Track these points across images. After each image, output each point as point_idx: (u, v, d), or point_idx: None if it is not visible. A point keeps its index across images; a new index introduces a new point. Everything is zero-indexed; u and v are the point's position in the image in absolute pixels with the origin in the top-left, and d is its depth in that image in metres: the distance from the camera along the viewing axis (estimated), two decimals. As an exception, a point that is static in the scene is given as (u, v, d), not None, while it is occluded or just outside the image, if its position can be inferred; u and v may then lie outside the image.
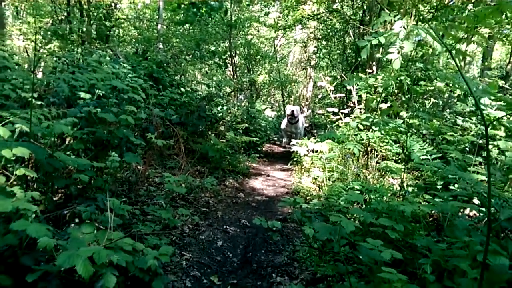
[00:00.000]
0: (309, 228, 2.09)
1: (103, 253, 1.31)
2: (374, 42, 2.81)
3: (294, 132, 7.91)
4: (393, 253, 1.72)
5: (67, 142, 3.34)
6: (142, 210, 3.06)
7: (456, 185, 3.21)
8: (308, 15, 10.92)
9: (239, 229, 3.45)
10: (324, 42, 13.86)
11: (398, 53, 3.26)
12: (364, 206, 2.99)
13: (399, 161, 4.57)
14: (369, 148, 4.78)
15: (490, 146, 3.33)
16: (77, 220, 2.03)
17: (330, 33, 12.71)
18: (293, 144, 6.11)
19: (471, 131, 3.80)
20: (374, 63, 7.16)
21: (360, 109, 5.41)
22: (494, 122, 3.11)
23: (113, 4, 10.28)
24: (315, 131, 10.18)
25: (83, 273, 1.22)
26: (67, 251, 1.27)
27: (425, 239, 2.05)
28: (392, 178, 4.20)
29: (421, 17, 4.51)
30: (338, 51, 13.77)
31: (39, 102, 3.38)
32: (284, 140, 8.48)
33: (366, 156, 5.03)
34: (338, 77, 8.86)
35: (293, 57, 20.93)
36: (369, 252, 1.74)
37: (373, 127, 3.92)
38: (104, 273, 1.33)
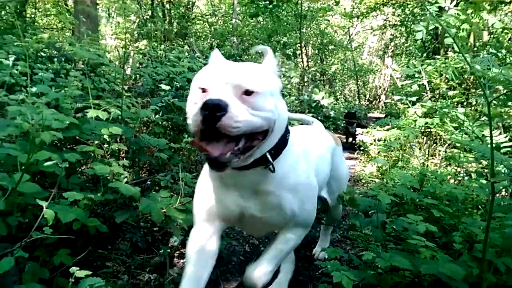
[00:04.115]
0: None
1: (172, 210, 1.67)
2: (431, 27, 2.84)
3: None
4: (429, 226, 1.85)
5: (150, 128, 3.91)
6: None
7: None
8: (383, 0, 10.58)
9: (298, 209, 3.69)
10: (401, 29, 13.27)
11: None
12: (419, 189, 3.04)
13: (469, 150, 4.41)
14: (435, 136, 4.67)
15: None
16: (157, 188, 2.47)
17: (408, 18, 12.15)
18: None
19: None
20: (450, 49, 6.83)
21: (429, 96, 5.28)
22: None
23: (191, 3, 11.08)
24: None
25: (156, 218, 1.60)
26: (147, 201, 1.66)
27: (469, 219, 2.12)
28: (458, 166, 4.10)
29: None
30: (416, 38, 13.10)
31: (128, 94, 3.96)
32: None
33: (434, 144, 4.93)
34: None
35: (369, 46, 20.23)
36: (405, 225, 1.89)
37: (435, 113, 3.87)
38: (173, 223, 1.70)
